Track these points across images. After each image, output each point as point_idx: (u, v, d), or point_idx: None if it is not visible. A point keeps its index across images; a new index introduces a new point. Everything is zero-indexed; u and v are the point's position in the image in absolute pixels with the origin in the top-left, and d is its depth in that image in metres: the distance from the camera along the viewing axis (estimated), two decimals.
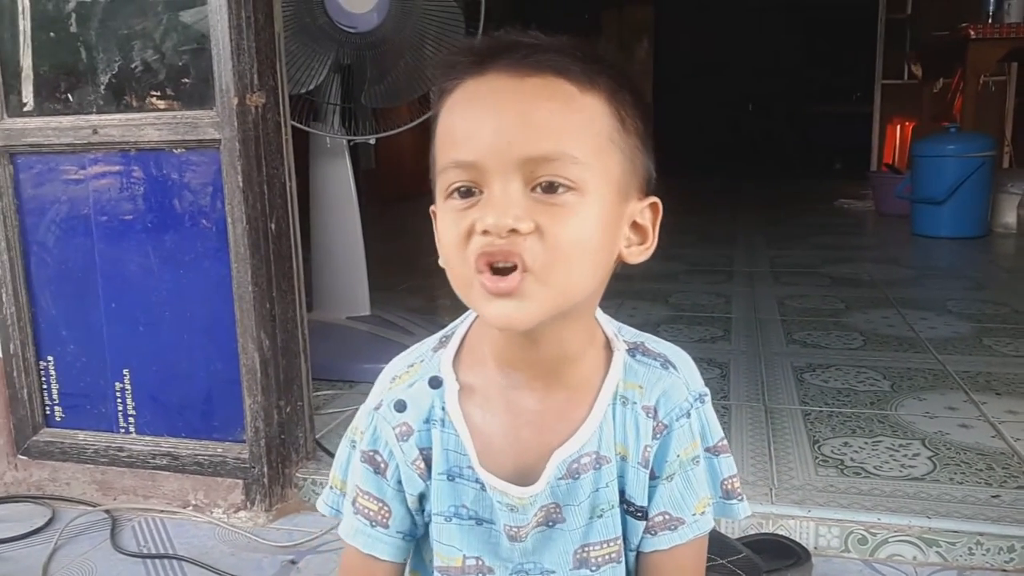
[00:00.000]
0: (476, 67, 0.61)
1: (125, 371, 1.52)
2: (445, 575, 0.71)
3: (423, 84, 2.04)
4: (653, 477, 0.70)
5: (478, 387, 0.68)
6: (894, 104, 5.92)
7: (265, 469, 1.45)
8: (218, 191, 1.39)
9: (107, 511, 1.48)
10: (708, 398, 0.72)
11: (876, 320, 2.49)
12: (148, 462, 1.51)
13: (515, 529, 0.68)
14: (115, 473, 1.52)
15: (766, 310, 2.66)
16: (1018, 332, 2.31)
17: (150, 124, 1.41)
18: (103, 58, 1.44)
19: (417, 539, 0.74)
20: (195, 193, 1.42)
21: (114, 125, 1.43)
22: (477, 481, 0.68)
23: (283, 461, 1.48)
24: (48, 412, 1.59)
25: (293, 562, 1.32)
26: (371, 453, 0.69)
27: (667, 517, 0.70)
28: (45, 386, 1.58)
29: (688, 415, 0.70)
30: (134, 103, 1.44)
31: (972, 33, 3.87)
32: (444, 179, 0.61)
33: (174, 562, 1.32)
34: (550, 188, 0.59)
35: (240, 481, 1.46)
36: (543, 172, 0.58)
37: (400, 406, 0.68)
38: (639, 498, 0.70)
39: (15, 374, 1.56)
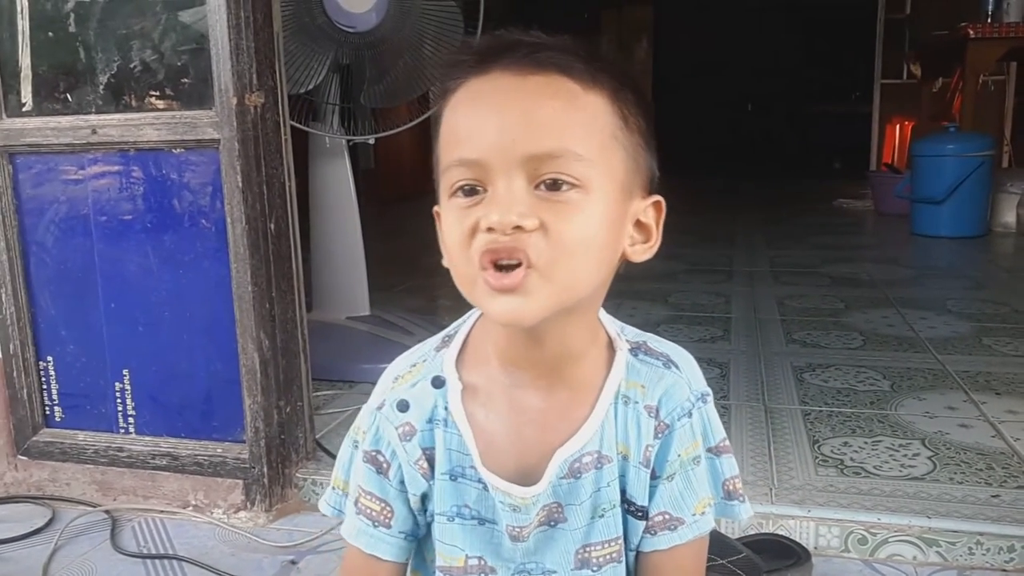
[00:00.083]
0: (479, 66, 0.61)
1: (125, 371, 1.52)
2: (447, 575, 0.71)
3: (422, 84, 2.04)
4: (654, 477, 0.70)
5: (481, 386, 0.68)
6: (893, 104, 5.92)
7: (265, 469, 1.45)
8: (217, 191, 1.39)
9: (107, 511, 1.48)
10: (710, 398, 0.72)
11: (876, 320, 2.49)
12: (148, 462, 1.51)
13: (517, 529, 0.68)
14: (115, 473, 1.52)
15: (766, 310, 2.66)
16: (1018, 332, 2.31)
17: (149, 124, 1.41)
18: (102, 58, 1.44)
19: (419, 539, 0.74)
20: (194, 193, 1.42)
21: (113, 125, 1.43)
22: (479, 481, 0.68)
23: (283, 461, 1.48)
24: (48, 412, 1.59)
25: (293, 562, 1.31)
26: (373, 453, 0.69)
27: (667, 517, 0.70)
28: (45, 386, 1.58)
29: (690, 415, 0.70)
30: (133, 103, 1.44)
31: (971, 33, 3.87)
32: (448, 178, 0.61)
33: (174, 562, 1.32)
34: (554, 186, 0.59)
35: (240, 481, 1.45)
36: (547, 169, 0.58)
37: (403, 406, 0.68)
38: (640, 498, 0.70)
39: (15, 374, 1.56)
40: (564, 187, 0.59)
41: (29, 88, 1.49)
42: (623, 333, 0.72)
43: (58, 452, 1.56)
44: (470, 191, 0.60)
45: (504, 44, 0.62)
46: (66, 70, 1.46)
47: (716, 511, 0.73)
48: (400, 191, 5.27)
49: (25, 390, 1.57)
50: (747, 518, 0.75)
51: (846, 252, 3.74)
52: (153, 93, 1.43)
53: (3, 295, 1.53)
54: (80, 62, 1.45)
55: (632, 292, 2.84)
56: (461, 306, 0.71)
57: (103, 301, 1.50)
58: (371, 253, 2.19)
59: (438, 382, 0.69)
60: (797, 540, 1.26)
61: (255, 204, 1.38)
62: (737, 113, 9.12)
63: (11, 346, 1.55)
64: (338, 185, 2.12)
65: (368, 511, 0.70)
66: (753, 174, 7.39)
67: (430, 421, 0.68)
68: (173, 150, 1.41)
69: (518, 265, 0.58)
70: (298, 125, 1.92)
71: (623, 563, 0.71)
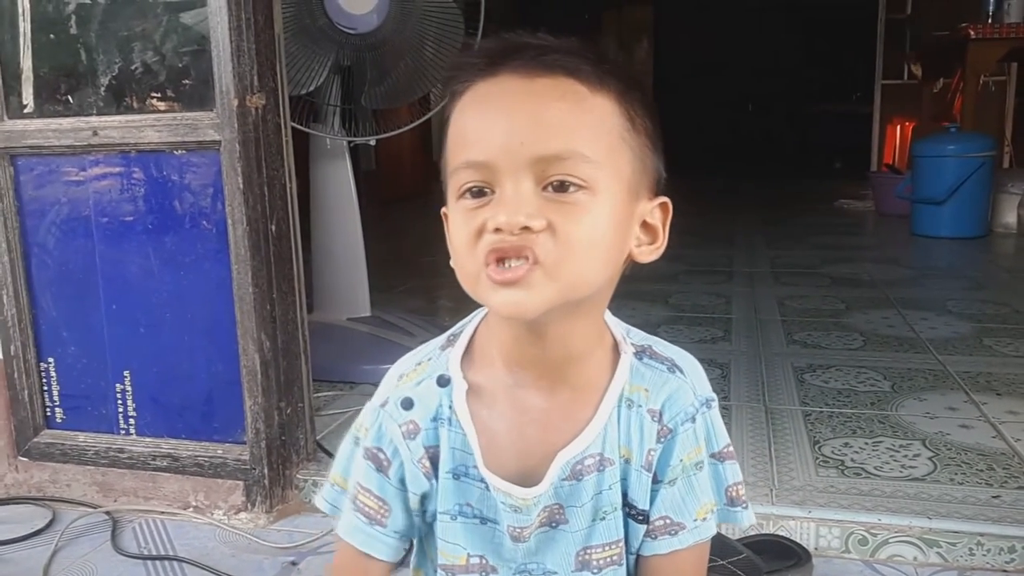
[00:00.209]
0: (487, 69, 0.62)
1: (126, 372, 1.52)
2: (449, 573, 0.71)
3: (423, 85, 2.05)
4: (655, 481, 0.70)
5: (485, 386, 0.68)
6: (894, 104, 5.92)
7: (266, 470, 1.45)
8: (218, 192, 1.39)
9: (108, 512, 1.48)
10: (715, 403, 0.72)
11: (876, 320, 2.49)
12: (149, 463, 1.51)
13: (518, 529, 0.69)
14: (116, 475, 1.52)
15: (766, 310, 2.66)
16: (1018, 332, 2.31)
17: (150, 126, 1.41)
18: (103, 60, 1.44)
19: (421, 537, 0.74)
20: (195, 195, 1.42)
21: (114, 127, 1.43)
22: (482, 480, 0.68)
23: (284, 462, 1.48)
24: (49, 414, 1.59)
25: (294, 563, 1.32)
26: (375, 450, 0.69)
27: (668, 522, 0.70)
28: (46, 388, 1.58)
29: (693, 420, 0.70)
30: (134, 105, 1.44)
31: (972, 33, 3.87)
32: (456, 180, 0.62)
33: (175, 563, 1.32)
34: (561, 187, 0.59)
35: (241, 482, 1.46)
36: (554, 171, 0.59)
37: (407, 404, 0.68)
38: (641, 501, 0.70)
39: (16, 376, 1.56)
40: (571, 188, 0.59)
41: (30, 90, 1.49)
42: (629, 336, 0.72)
43: (59, 453, 1.57)
44: (478, 193, 0.60)
45: (512, 47, 0.62)
46: (67, 72, 1.47)
47: (718, 517, 0.72)
48: (401, 192, 5.27)
49: (26, 391, 1.57)
50: (748, 525, 0.75)
51: (846, 252, 3.74)
52: (154, 95, 1.43)
53: (4, 297, 1.53)
54: (81, 64, 1.45)
55: (632, 293, 2.84)
56: (462, 307, 0.71)
57: (104, 302, 1.50)
58: (372, 254, 2.19)
59: (443, 381, 0.69)
60: (798, 541, 1.26)
61: (256, 205, 1.39)
62: (737, 113, 9.12)
63: (12, 347, 1.55)
64: (339, 186, 2.12)
65: (365, 508, 0.70)
66: (753, 174, 7.39)
67: (434, 419, 0.68)
68: (174, 152, 1.41)
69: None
70: (299, 126, 1.92)
71: (624, 566, 0.71)
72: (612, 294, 0.67)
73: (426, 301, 2.79)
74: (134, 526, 1.45)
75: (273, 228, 1.41)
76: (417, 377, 0.70)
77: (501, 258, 0.59)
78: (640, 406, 0.69)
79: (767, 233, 4.38)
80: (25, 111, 1.49)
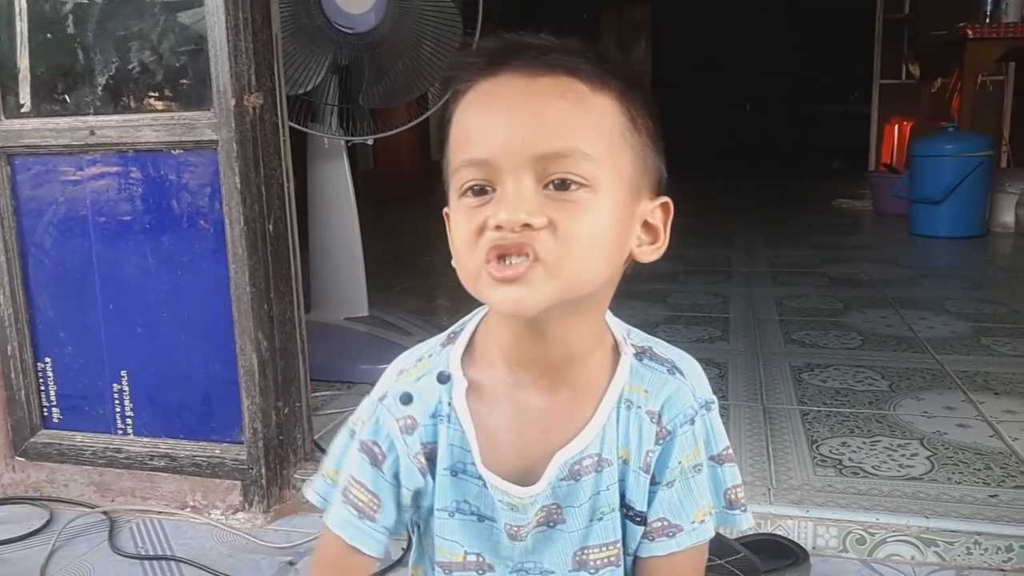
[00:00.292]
0: (489, 68, 0.62)
1: (123, 372, 1.52)
2: (446, 570, 0.71)
3: (421, 85, 2.04)
4: (653, 483, 0.70)
5: (485, 384, 0.68)
6: (892, 104, 5.93)
7: (263, 470, 1.45)
8: (216, 192, 1.39)
9: (105, 512, 1.48)
10: (715, 406, 0.71)
11: (874, 320, 2.49)
12: (146, 463, 1.51)
13: (515, 528, 0.69)
14: (113, 474, 1.52)
15: (764, 310, 2.66)
16: (1016, 332, 2.31)
17: (147, 125, 1.41)
18: (100, 59, 1.44)
19: (420, 535, 0.74)
20: (193, 194, 1.42)
21: (111, 126, 1.43)
22: (479, 478, 0.68)
23: (281, 462, 1.48)
24: (46, 414, 1.59)
25: (291, 563, 1.31)
26: (370, 444, 0.69)
27: (665, 523, 0.70)
28: (43, 387, 1.58)
29: (692, 422, 0.69)
30: (131, 104, 1.44)
31: (970, 33, 3.87)
32: (458, 178, 0.62)
33: (172, 563, 1.32)
34: (563, 185, 0.59)
35: (238, 482, 1.45)
36: (556, 169, 0.59)
37: (406, 399, 0.68)
38: (639, 503, 0.70)
39: (13, 376, 1.56)
40: (573, 187, 0.59)
41: (27, 89, 1.49)
42: (629, 337, 0.72)
43: (56, 453, 1.56)
44: (479, 191, 0.61)
45: (513, 46, 0.62)
46: (64, 71, 1.46)
47: (716, 520, 0.72)
48: (399, 191, 5.27)
49: (23, 391, 1.57)
50: (747, 528, 0.75)
51: (845, 252, 3.74)
52: (151, 94, 1.43)
53: (1, 296, 1.53)
54: (78, 63, 1.45)
55: (630, 292, 2.84)
56: (460, 306, 0.72)
57: (101, 302, 1.50)
58: (370, 254, 2.19)
59: (443, 377, 0.69)
60: (795, 540, 1.26)
61: (253, 205, 1.38)
62: (736, 113, 9.13)
63: (9, 347, 1.55)
64: (337, 186, 2.12)
65: (356, 502, 0.70)
66: (752, 174, 7.40)
67: (434, 416, 0.68)
68: (171, 151, 1.41)
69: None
70: (297, 126, 1.92)
71: (621, 567, 0.71)
72: (613, 294, 0.67)
73: (424, 301, 2.79)
74: (131, 526, 1.45)
75: (271, 228, 1.41)
76: (417, 373, 0.70)
77: (502, 255, 0.59)
78: (639, 407, 0.69)
79: (766, 233, 4.38)
80: (22, 111, 1.49)
